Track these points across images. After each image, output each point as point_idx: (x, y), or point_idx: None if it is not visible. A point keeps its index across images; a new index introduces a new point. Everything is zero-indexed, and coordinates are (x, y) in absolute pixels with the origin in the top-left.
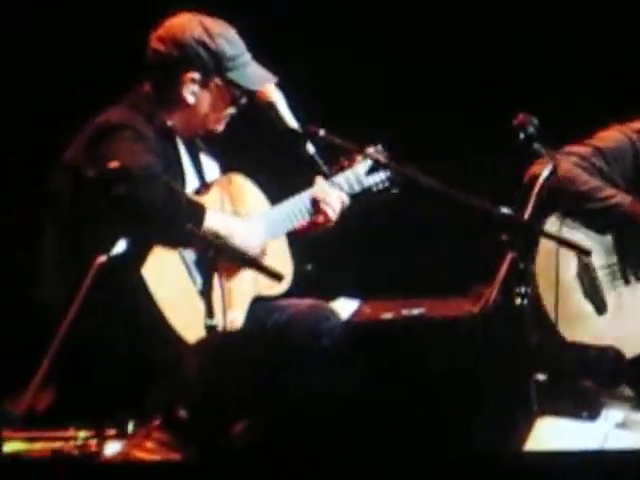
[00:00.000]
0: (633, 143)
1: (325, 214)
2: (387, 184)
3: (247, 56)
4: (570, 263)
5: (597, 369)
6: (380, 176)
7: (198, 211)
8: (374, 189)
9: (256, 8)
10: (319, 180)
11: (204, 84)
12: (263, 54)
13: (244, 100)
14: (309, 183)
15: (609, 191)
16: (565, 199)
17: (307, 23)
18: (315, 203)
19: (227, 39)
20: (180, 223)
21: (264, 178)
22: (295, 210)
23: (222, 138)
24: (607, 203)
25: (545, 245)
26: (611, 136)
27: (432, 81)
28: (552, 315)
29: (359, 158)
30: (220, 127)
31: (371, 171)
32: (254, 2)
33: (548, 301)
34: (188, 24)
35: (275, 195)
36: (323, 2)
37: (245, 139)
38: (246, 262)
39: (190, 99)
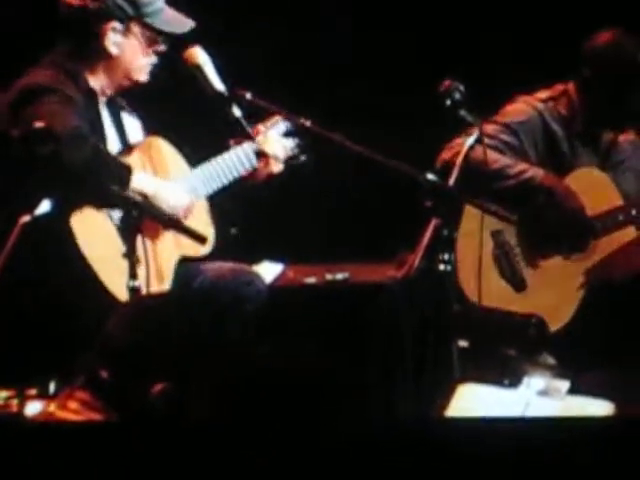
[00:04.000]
0: (540, 114)
1: (269, 164)
2: (296, 151)
3: (162, 2)
4: (486, 243)
5: (519, 336)
6: (290, 143)
7: (125, 171)
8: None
9: None
10: (260, 137)
11: (125, 33)
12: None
13: (164, 47)
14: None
15: (521, 166)
16: (478, 181)
17: None
18: (260, 154)
19: None
20: (106, 183)
21: (182, 137)
22: (229, 166)
23: (144, 97)
24: (520, 178)
25: (465, 226)
26: (518, 109)
27: (360, 48)
28: (467, 290)
29: (270, 123)
30: (144, 77)
31: (283, 136)
32: None
33: (464, 277)
34: None
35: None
36: None
37: (166, 99)
38: (170, 224)
39: (113, 50)
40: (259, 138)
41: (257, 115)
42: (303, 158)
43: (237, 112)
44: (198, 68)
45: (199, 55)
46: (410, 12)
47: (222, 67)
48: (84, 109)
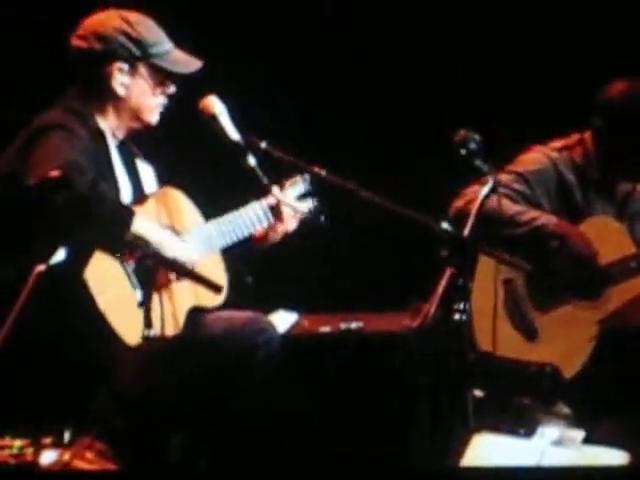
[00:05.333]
0: (554, 163)
1: (284, 221)
2: (314, 213)
3: (169, 43)
4: (498, 292)
5: (534, 386)
6: (308, 205)
7: (126, 213)
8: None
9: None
10: (275, 190)
11: (132, 73)
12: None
13: (173, 88)
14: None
15: (533, 213)
16: (490, 229)
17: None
18: (275, 210)
19: (147, 27)
20: (105, 222)
21: (198, 188)
22: (245, 222)
23: (158, 144)
24: (533, 225)
25: (478, 275)
26: (532, 159)
27: (377, 94)
28: (480, 339)
29: (289, 183)
30: (154, 118)
31: (302, 197)
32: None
33: (478, 326)
34: (106, 17)
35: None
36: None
37: (181, 147)
38: (183, 272)
39: (120, 90)
40: (277, 196)
41: (278, 171)
42: (321, 220)
43: (252, 161)
44: (214, 118)
45: (215, 105)
46: (428, 62)
47: (236, 116)
48: (93, 149)
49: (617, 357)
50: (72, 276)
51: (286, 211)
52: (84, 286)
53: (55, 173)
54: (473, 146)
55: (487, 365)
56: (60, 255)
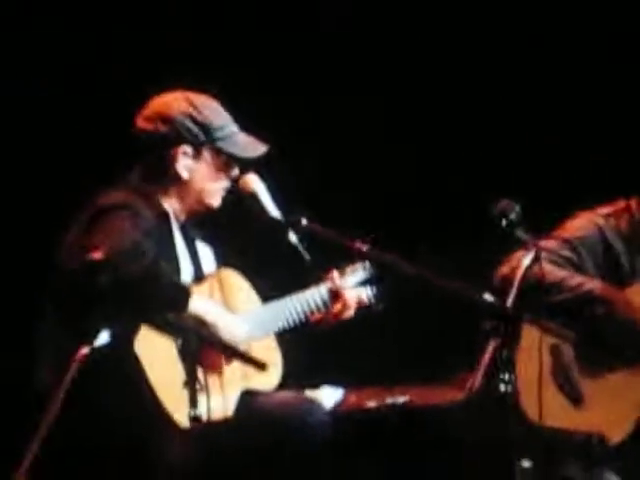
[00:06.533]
0: (601, 229)
1: (344, 306)
2: (373, 301)
3: (234, 126)
4: (544, 358)
5: (582, 455)
6: (367, 292)
7: (183, 293)
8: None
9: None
10: (335, 276)
11: (196, 157)
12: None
13: (237, 172)
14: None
15: (579, 279)
16: (536, 296)
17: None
18: (335, 295)
19: (213, 110)
20: (162, 302)
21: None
22: (303, 306)
23: (216, 227)
24: (579, 291)
25: (523, 343)
26: (578, 225)
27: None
28: (527, 409)
29: (349, 269)
30: (217, 202)
31: (361, 284)
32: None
33: (523, 395)
34: (172, 100)
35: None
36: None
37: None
38: (229, 351)
39: (184, 174)
40: (337, 281)
41: (337, 255)
42: (380, 308)
43: (293, 238)
44: (253, 196)
45: (254, 182)
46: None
47: (277, 193)
48: (156, 229)
49: None
50: (119, 357)
51: (345, 298)
52: (135, 362)
53: (97, 255)
54: (513, 216)
55: (534, 435)
56: (104, 337)
